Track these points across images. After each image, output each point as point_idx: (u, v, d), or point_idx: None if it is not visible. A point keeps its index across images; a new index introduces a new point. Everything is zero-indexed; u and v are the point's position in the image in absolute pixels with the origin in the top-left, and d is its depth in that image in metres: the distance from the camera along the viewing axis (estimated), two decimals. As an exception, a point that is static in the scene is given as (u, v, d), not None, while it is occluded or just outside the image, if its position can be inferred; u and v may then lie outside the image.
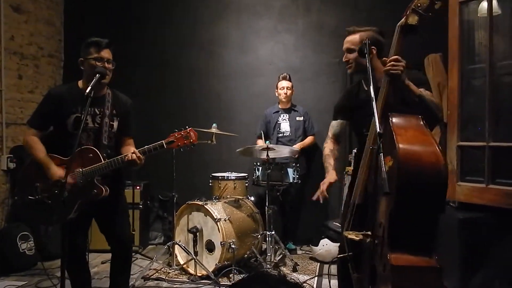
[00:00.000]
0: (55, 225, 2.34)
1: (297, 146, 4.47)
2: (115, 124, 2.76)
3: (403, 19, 2.04)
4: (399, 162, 1.81)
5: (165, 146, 2.54)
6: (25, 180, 2.67)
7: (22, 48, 4.77)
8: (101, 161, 2.56)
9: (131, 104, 2.88)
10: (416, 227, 1.84)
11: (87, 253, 2.78)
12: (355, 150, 2.66)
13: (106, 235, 2.81)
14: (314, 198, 2.44)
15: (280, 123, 4.69)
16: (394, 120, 1.97)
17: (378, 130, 1.82)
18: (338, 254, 2.44)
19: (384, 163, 1.71)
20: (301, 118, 4.69)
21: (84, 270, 2.82)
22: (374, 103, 1.94)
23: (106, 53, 2.63)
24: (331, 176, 2.45)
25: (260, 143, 4.61)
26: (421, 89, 2.11)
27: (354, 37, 2.41)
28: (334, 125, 2.60)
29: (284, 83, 4.64)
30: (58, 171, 2.55)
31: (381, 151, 1.75)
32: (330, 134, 2.62)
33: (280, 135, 4.66)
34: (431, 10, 2.00)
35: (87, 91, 2.40)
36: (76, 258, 2.68)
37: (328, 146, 2.58)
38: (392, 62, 2.03)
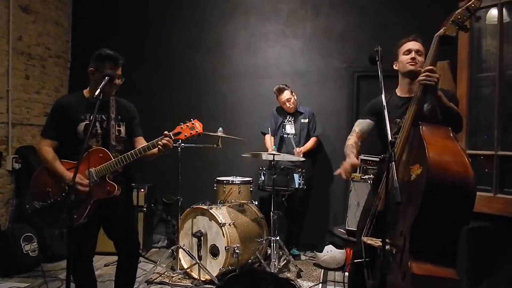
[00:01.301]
0: (71, 228, 2.31)
1: (299, 152, 4.43)
2: (123, 129, 2.79)
3: (442, 30, 2.09)
4: (429, 171, 1.81)
5: (172, 137, 2.58)
6: (36, 187, 2.66)
7: (29, 49, 4.79)
8: (112, 160, 2.57)
9: (134, 108, 2.91)
10: (439, 237, 1.83)
11: (97, 260, 2.77)
12: (361, 157, 2.66)
13: (115, 241, 2.81)
14: (336, 172, 2.41)
15: (285, 124, 4.67)
16: (425, 129, 1.99)
17: (389, 138, 1.81)
18: (353, 259, 2.43)
19: (412, 170, 1.71)
20: (306, 120, 4.65)
21: (89, 276, 2.80)
22: (385, 111, 1.95)
23: (119, 70, 2.65)
24: (353, 159, 2.42)
25: (268, 139, 4.56)
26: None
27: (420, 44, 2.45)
28: (363, 123, 2.61)
29: (286, 95, 4.55)
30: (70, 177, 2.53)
31: (394, 160, 1.74)
32: (356, 129, 2.62)
33: (285, 136, 4.65)
34: (470, 23, 2.04)
35: (96, 93, 2.42)
36: (82, 263, 2.67)
37: (353, 139, 2.58)
38: (427, 73, 2.05)
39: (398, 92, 2.54)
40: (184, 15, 5.33)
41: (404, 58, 2.42)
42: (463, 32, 2.12)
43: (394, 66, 2.50)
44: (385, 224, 2.08)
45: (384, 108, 1.95)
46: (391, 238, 1.98)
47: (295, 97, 4.64)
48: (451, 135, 2.03)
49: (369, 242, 2.07)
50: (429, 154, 1.85)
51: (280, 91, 4.57)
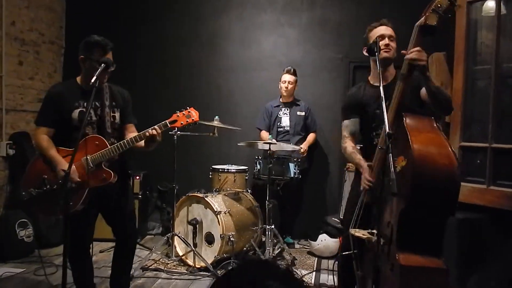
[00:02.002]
0: (65, 214, 2.31)
1: (304, 145, 4.47)
2: (117, 115, 2.78)
3: (422, 19, 2.02)
4: (414, 163, 1.81)
5: (168, 125, 2.59)
6: (31, 174, 2.66)
7: (23, 34, 4.72)
8: (108, 147, 2.57)
9: (128, 94, 2.91)
10: (425, 228, 1.86)
11: (91, 246, 2.78)
12: (358, 147, 2.66)
13: (113, 227, 2.83)
14: (362, 188, 2.31)
15: (280, 117, 4.66)
16: (408, 120, 1.98)
17: (387, 130, 1.82)
18: (341, 251, 2.45)
19: (396, 163, 1.72)
20: (302, 113, 4.66)
21: (86, 263, 2.82)
22: (383, 102, 1.94)
23: (109, 56, 2.62)
24: (366, 165, 2.36)
25: (264, 135, 4.61)
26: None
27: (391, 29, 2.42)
28: (349, 124, 2.58)
29: (287, 77, 4.60)
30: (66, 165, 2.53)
31: (390, 152, 1.75)
32: (346, 133, 2.60)
33: (280, 129, 4.64)
34: (450, 11, 2.00)
35: (92, 80, 2.41)
36: (79, 250, 2.69)
37: (350, 144, 2.56)
38: (416, 51, 2.01)
39: (372, 80, 2.50)
40: (180, 5, 5.27)
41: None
42: (445, 21, 2.04)
43: (364, 52, 2.41)
44: (373, 216, 2.10)
45: (382, 100, 1.95)
46: (378, 229, 2.01)
47: (295, 87, 4.64)
48: (435, 125, 2.01)
49: (357, 234, 2.09)
50: (413, 146, 1.85)
51: (288, 71, 4.61)
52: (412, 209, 1.82)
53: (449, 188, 1.85)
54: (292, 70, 4.60)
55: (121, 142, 2.59)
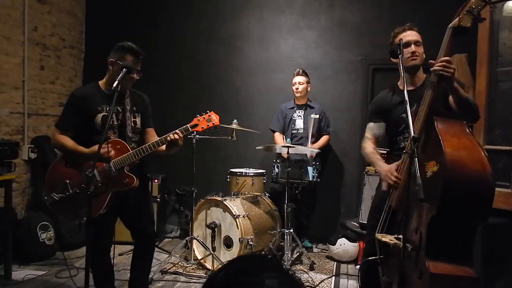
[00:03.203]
0: (90, 219, 2.34)
1: (316, 146, 4.43)
2: (138, 120, 2.81)
3: (455, 21, 2.00)
4: (446, 168, 1.77)
5: (190, 129, 2.61)
6: (53, 179, 2.69)
7: (44, 39, 4.80)
8: (129, 151, 2.60)
9: (148, 99, 2.94)
10: (456, 235, 1.81)
11: (112, 250, 2.80)
12: (384, 151, 2.63)
13: (132, 230, 2.85)
14: (385, 187, 2.28)
15: (295, 120, 4.62)
16: (440, 124, 1.94)
17: (412, 134, 1.79)
18: (364, 256, 2.42)
19: (427, 167, 1.69)
20: (317, 116, 4.59)
21: (106, 265, 2.84)
22: (408, 106, 1.91)
23: (139, 66, 2.67)
24: (385, 165, 2.34)
25: (278, 138, 4.59)
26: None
27: (417, 33, 2.39)
28: (374, 127, 2.57)
29: (298, 79, 4.55)
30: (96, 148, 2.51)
31: (416, 156, 1.72)
32: (369, 135, 2.59)
33: (294, 131, 4.60)
34: (484, 13, 1.97)
35: (114, 85, 2.43)
36: (100, 253, 2.71)
37: (370, 145, 2.55)
38: (443, 63, 1.99)
39: (400, 85, 2.46)
40: (198, 7, 5.30)
41: (403, 52, 2.29)
42: (478, 22, 2.05)
43: (393, 60, 2.38)
44: (400, 221, 2.07)
45: (407, 103, 1.92)
46: (406, 235, 1.97)
47: (308, 88, 4.60)
48: (467, 130, 1.98)
49: (384, 239, 2.06)
50: (445, 150, 1.81)
51: (298, 73, 4.57)
52: (443, 216, 1.78)
53: (482, 194, 1.80)
54: (301, 71, 4.56)
55: (143, 146, 2.61)
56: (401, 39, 2.27)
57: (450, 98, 2.18)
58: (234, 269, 0.84)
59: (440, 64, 2.00)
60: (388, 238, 2.02)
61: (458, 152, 1.83)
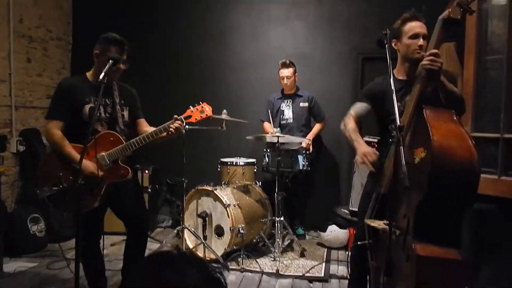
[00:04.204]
0: (84, 211, 2.34)
1: (309, 137, 4.44)
2: (126, 113, 2.80)
3: (446, 12, 2.01)
4: (433, 154, 1.81)
5: (184, 121, 2.62)
6: (45, 172, 2.67)
7: (30, 31, 4.74)
8: (123, 143, 2.60)
9: (135, 92, 2.93)
10: (443, 219, 1.85)
11: (101, 240, 2.80)
12: (375, 139, 2.66)
13: (125, 220, 2.85)
14: (356, 160, 2.36)
15: (283, 110, 4.61)
16: (428, 112, 1.97)
17: (398, 122, 1.81)
18: (354, 241, 2.45)
19: (416, 154, 1.71)
20: (306, 104, 4.58)
21: (97, 257, 2.85)
22: (394, 94, 1.94)
23: (124, 55, 2.65)
24: (364, 145, 2.38)
25: (267, 127, 4.59)
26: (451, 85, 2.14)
27: (424, 25, 2.34)
28: (359, 106, 2.57)
29: (284, 72, 4.50)
30: (87, 163, 2.53)
31: (402, 144, 1.74)
32: (352, 112, 2.59)
33: (284, 122, 4.60)
34: (474, 5, 1.99)
35: (101, 77, 2.41)
36: (91, 245, 2.72)
37: (352, 122, 2.55)
38: (431, 57, 2.00)
39: (396, 74, 2.47)
40: (188, 1, 5.25)
41: (410, 43, 2.30)
42: (468, 14, 2.06)
43: (394, 45, 2.37)
44: (389, 207, 2.10)
45: (393, 92, 1.94)
46: (395, 220, 2.01)
47: (296, 78, 4.59)
48: (455, 118, 2.02)
49: (372, 224, 2.09)
50: (433, 138, 1.84)
51: (283, 65, 4.51)
52: (430, 201, 1.81)
53: (468, 181, 1.84)
54: (287, 62, 4.50)
55: (137, 138, 2.60)
56: (387, 28, 2.27)
57: None
58: (152, 267, 0.87)
59: (428, 59, 2.02)
60: (377, 223, 2.05)
61: (446, 139, 1.86)
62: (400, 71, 2.43)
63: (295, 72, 4.55)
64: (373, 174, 2.44)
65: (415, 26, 2.31)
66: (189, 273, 0.85)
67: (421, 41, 2.28)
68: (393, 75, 2.47)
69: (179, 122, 2.59)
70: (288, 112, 4.60)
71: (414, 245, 1.81)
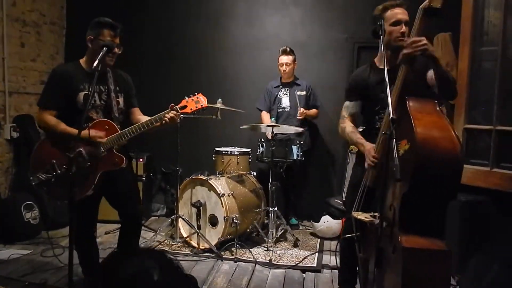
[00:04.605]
0: (77, 198, 2.34)
1: (302, 112, 4.40)
2: (121, 100, 2.79)
3: (426, 2, 1.98)
4: (417, 146, 1.82)
5: (179, 111, 2.61)
6: (39, 158, 2.65)
7: (24, 15, 4.67)
8: (118, 132, 2.59)
9: (130, 79, 2.91)
10: (427, 211, 1.87)
11: (95, 229, 2.81)
12: (360, 129, 2.65)
13: (119, 209, 2.84)
14: (367, 166, 2.28)
15: (281, 98, 4.61)
16: (411, 104, 1.97)
17: (391, 115, 1.81)
18: (343, 234, 2.47)
19: (400, 146, 1.72)
20: (303, 93, 4.58)
21: (92, 245, 2.86)
22: (387, 87, 1.93)
23: (118, 40, 2.62)
24: (369, 144, 2.33)
25: (265, 117, 4.60)
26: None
27: (406, 11, 2.32)
28: (350, 105, 2.56)
29: (284, 59, 4.51)
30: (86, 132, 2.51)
31: (394, 137, 1.74)
32: (345, 114, 2.59)
33: (281, 110, 4.60)
34: None
35: (95, 64, 2.38)
36: (84, 233, 2.72)
37: (349, 124, 2.56)
38: (412, 45, 1.99)
39: (377, 62, 2.46)
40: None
41: (392, 30, 2.28)
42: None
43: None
44: (375, 199, 2.11)
45: (387, 85, 1.93)
46: (381, 212, 2.02)
47: (295, 67, 4.58)
48: (438, 108, 2.01)
49: (359, 217, 2.10)
50: (416, 130, 1.85)
51: (284, 52, 4.52)
52: (414, 192, 1.83)
53: (451, 172, 1.85)
54: (288, 49, 4.50)
55: (132, 127, 2.59)
56: (382, 19, 2.25)
57: (429, 74, 2.19)
58: (114, 262, 0.89)
59: (408, 47, 2.00)
60: (363, 216, 2.07)
61: (429, 131, 1.87)
62: (380, 60, 2.39)
63: (294, 60, 4.55)
64: (358, 166, 2.44)
65: (397, 13, 2.30)
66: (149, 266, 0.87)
67: (403, 28, 2.26)
68: (375, 65, 2.46)
69: (174, 112, 2.58)
70: (285, 101, 4.60)
71: (400, 237, 1.83)
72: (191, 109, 2.64)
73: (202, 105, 2.66)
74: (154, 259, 0.92)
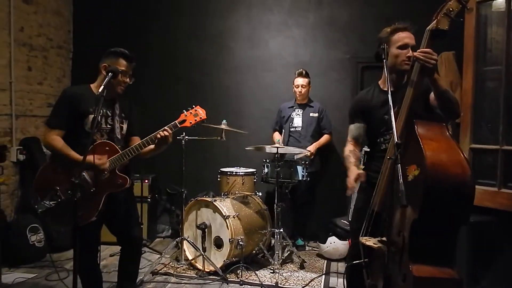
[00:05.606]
0: (83, 223, 2.34)
1: (311, 148, 4.44)
2: (125, 126, 2.82)
3: (433, 23, 1.99)
4: (427, 172, 1.78)
5: (178, 126, 2.63)
6: (43, 185, 2.64)
7: (31, 40, 4.75)
8: (119, 152, 2.60)
9: (134, 106, 2.94)
10: (438, 237, 1.83)
11: (99, 254, 2.79)
12: (365, 149, 2.63)
13: (119, 235, 2.83)
14: (348, 194, 2.38)
15: (293, 118, 4.66)
16: (420, 128, 1.94)
17: (396, 140, 1.80)
18: (349, 260, 2.43)
19: (408, 171, 1.69)
20: (315, 115, 4.63)
21: (95, 270, 2.84)
22: (391, 110, 1.92)
23: (130, 70, 2.69)
24: (352, 172, 2.36)
25: (276, 136, 4.64)
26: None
27: (412, 35, 2.32)
28: (353, 128, 2.55)
29: (300, 81, 4.57)
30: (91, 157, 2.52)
31: (399, 162, 1.73)
32: (349, 137, 2.58)
33: (292, 129, 4.64)
34: (462, 15, 1.96)
35: (100, 90, 2.41)
36: (87, 258, 2.70)
37: (348, 148, 2.55)
38: (425, 54, 1.97)
39: (382, 84, 2.45)
40: (187, 6, 5.27)
41: (398, 53, 2.28)
42: (457, 20, 2.03)
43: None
44: (382, 224, 2.08)
45: (390, 108, 1.92)
46: (388, 238, 1.99)
47: (309, 88, 4.63)
48: (447, 132, 1.98)
49: (367, 243, 2.07)
50: (426, 154, 1.81)
51: (299, 74, 4.59)
52: (425, 218, 1.79)
53: (462, 197, 1.81)
54: (304, 72, 4.57)
55: (133, 146, 2.62)
56: (385, 44, 2.26)
57: (431, 96, 2.18)
58: None
59: (422, 54, 1.97)
60: (372, 242, 2.03)
61: (438, 155, 1.84)
62: (384, 82, 2.37)
63: (309, 83, 4.62)
64: (364, 191, 2.42)
65: (404, 37, 2.29)
66: None
67: (410, 52, 2.25)
68: (379, 87, 2.46)
69: (167, 130, 2.59)
70: (297, 121, 4.64)
71: (411, 266, 1.79)
72: (190, 123, 2.65)
73: (201, 117, 2.67)
74: None
